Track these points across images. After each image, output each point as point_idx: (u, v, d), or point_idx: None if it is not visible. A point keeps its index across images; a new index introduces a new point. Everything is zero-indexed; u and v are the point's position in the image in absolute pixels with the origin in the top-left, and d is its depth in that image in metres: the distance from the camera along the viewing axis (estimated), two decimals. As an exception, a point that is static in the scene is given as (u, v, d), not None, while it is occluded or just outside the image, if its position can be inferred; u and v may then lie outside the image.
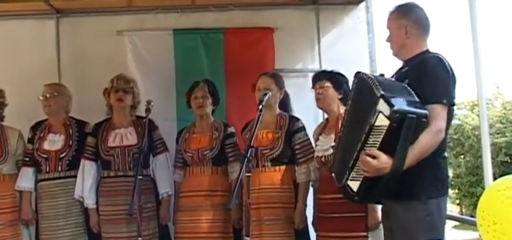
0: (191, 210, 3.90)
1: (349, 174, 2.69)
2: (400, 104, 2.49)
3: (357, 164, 2.65)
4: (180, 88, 4.66)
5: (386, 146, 2.53)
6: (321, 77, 3.74)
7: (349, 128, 2.85)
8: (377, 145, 2.56)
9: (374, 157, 2.56)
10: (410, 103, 2.55)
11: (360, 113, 2.72)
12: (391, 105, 2.47)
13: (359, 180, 2.67)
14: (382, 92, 2.53)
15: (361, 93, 2.78)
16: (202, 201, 3.89)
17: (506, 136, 20.77)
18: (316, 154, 3.68)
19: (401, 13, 2.90)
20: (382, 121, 2.51)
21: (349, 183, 2.71)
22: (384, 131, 2.51)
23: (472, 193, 21.70)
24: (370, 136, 2.57)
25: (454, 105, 2.75)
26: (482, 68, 3.22)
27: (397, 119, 2.46)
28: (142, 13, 4.90)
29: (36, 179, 4.04)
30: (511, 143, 20.68)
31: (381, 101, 2.51)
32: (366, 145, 2.59)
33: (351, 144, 2.71)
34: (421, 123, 2.53)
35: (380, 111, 2.50)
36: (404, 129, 2.48)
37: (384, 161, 2.54)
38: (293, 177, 3.80)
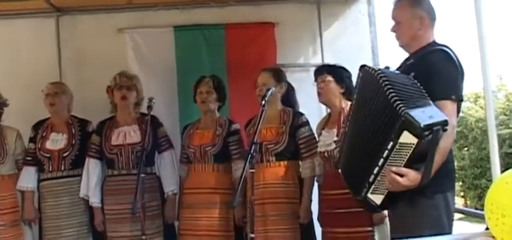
0: (193, 207, 3.90)
1: (370, 187, 2.55)
2: (423, 117, 2.31)
3: (378, 179, 2.50)
4: (182, 85, 4.66)
5: (413, 162, 2.39)
6: (322, 71, 3.71)
7: (360, 131, 2.64)
8: (403, 162, 2.41)
9: (402, 175, 2.40)
10: (430, 112, 2.37)
11: (373, 118, 2.52)
12: (416, 122, 2.29)
13: (382, 194, 2.54)
14: (402, 106, 2.33)
15: (370, 92, 2.57)
16: (203, 199, 3.87)
17: (510, 128, 20.63)
18: (318, 149, 3.65)
19: (415, 2, 2.71)
20: (407, 138, 2.34)
21: (371, 196, 2.57)
22: (412, 149, 2.35)
23: (476, 185, 21.63)
24: (394, 153, 2.41)
25: (462, 100, 2.63)
26: (488, 61, 3.14)
27: (426, 136, 2.31)
28: (143, 10, 4.86)
29: (39, 179, 4.02)
30: (515, 135, 20.57)
31: (404, 117, 2.31)
32: (390, 162, 2.42)
33: (368, 156, 2.53)
34: (444, 132, 2.39)
35: (404, 129, 2.32)
36: (433, 143, 2.34)
37: (413, 178, 2.39)
38: (297, 173, 3.77)
